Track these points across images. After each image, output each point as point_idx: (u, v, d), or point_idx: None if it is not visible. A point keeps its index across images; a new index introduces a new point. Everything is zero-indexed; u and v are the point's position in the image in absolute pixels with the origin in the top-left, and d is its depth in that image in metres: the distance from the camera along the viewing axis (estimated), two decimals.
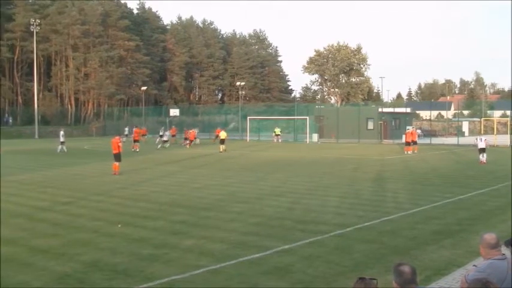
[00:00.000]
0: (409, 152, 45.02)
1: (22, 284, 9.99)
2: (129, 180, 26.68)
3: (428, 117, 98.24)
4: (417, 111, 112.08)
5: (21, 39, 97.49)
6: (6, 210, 17.81)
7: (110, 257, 11.80)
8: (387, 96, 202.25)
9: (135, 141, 51.18)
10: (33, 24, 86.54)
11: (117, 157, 29.68)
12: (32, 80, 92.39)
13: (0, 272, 10.63)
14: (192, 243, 13.06)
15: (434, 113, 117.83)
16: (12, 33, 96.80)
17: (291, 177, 27.74)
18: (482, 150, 35.43)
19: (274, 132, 67.03)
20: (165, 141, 55.65)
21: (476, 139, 37.55)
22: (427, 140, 62.70)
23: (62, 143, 49.75)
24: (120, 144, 30.22)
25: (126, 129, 64.85)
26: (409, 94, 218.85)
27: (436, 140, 64.56)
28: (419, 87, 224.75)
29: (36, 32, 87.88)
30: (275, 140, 64.68)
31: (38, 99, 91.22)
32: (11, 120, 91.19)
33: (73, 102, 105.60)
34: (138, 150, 48.47)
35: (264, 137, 67.76)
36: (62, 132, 50.78)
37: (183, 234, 14.13)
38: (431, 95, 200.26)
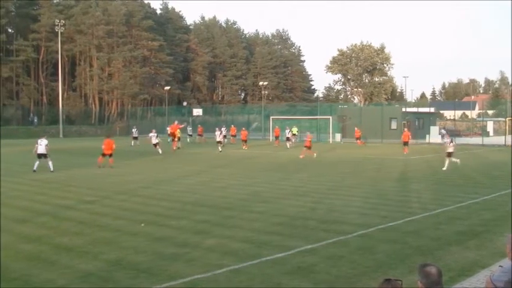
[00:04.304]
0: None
1: (47, 282, 10.07)
2: (152, 179, 26.81)
3: (452, 117, 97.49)
4: (441, 111, 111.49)
5: (46, 40, 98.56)
6: (32, 209, 18.03)
7: (133, 256, 11.86)
8: (411, 95, 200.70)
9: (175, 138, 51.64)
10: (57, 25, 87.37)
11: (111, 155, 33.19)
12: (57, 80, 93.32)
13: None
14: (214, 243, 13.08)
15: (459, 112, 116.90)
16: (38, 33, 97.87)
17: (314, 177, 27.69)
18: None
19: (292, 131, 66.03)
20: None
21: None
22: None
23: (135, 138, 55.53)
24: (114, 146, 33.63)
25: (134, 130, 62.80)
26: (433, 94, 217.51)
27: (460, 140, 64.02)
28: (444, 86, 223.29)
29: (61, 33, 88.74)
30: (293, 140, 63.94)
31: (62, 99, 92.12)
32: (36, 120, 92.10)
33: (97, 102, 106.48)
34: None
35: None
36: (134, 129, 58.00)
37: (206, 233, 14.16)
38: (455, 95, 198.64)
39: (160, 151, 44.52)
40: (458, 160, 31.93)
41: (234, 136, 65.27)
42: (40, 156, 30.74)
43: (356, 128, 63.62)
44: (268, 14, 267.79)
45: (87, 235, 14.02)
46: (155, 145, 46.10)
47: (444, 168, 30.91)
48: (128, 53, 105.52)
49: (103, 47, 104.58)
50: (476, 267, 10.83)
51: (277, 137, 61.30)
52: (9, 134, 75.63)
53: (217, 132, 52.11)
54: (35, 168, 30.12)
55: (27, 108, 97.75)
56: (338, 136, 68.69)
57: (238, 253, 12.05)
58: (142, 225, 15.16)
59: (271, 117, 77.08)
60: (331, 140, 66.74)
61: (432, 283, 4.67)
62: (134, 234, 14.13)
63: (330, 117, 71.16)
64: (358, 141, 60.86)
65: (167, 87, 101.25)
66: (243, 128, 58.82)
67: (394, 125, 68.10)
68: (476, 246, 12.72)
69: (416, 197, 20.57)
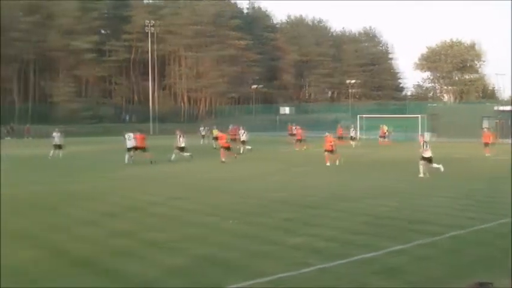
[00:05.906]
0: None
1: (134, 276, 10.33)
2: (237, 177, 27.10)
3: None
4: None
5: (137, 40, 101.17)
6: (123, 205, 18.57)
7: (221, 252, 12.00)
8: (505, 93, 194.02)
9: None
10: (148, 25, 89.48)
11: (145, 149, 34.41)
12: (148, 79, 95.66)
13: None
14: (300, 241, 13.05)
15: None
16: (129, 34, 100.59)
17: (399, 176, 27.18)
18: None
19: (382, 128, 64.76)
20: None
21: None
22: None
23: (203, 136, 56.93)
24: (144, 141, 34.86)
25: (201, 128, 61.48)
26: None
27: None
28: None
29: (151, 33, 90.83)
30: (384, 139, 62.79)
31: (153, 98, 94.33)
32: (128, 118, 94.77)
33: (186, 100, 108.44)
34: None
35: (374, 136, 66.51)
36: (202, 128, 59.16)
37: (292, 231, 14.14)
38: None
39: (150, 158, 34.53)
40: (441, 165, 27.59)
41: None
42: (130, 149, 33.11)
43: (339, 125, 61.85)
44: (355, 11, 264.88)
45: (175, 231, 14.27)
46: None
47: (421, 175, 26.57)
48: (216, 52, 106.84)
49: (192, 46, 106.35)
50: None
51: (340, 137, 52.69)
52: (105, 131, 78.37)
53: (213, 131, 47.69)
54: (126, 161, 32.54)
55: (119, 107, 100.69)
56: (428, 135, 67.11)
57: (324, 252, 11.97)
58: (231, 222, 15.30)
59: (358, 115, 76.16)
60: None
61: None
62: (222, 230, 14.29)
63: (419, 115, 69.59)
64: (338, 140, 53.73)
65: (254, 86, 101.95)
66: (297, 126, 53.85)
67: (486, 124, 65.88)
68: None
69: (509, 199, 19.81)
